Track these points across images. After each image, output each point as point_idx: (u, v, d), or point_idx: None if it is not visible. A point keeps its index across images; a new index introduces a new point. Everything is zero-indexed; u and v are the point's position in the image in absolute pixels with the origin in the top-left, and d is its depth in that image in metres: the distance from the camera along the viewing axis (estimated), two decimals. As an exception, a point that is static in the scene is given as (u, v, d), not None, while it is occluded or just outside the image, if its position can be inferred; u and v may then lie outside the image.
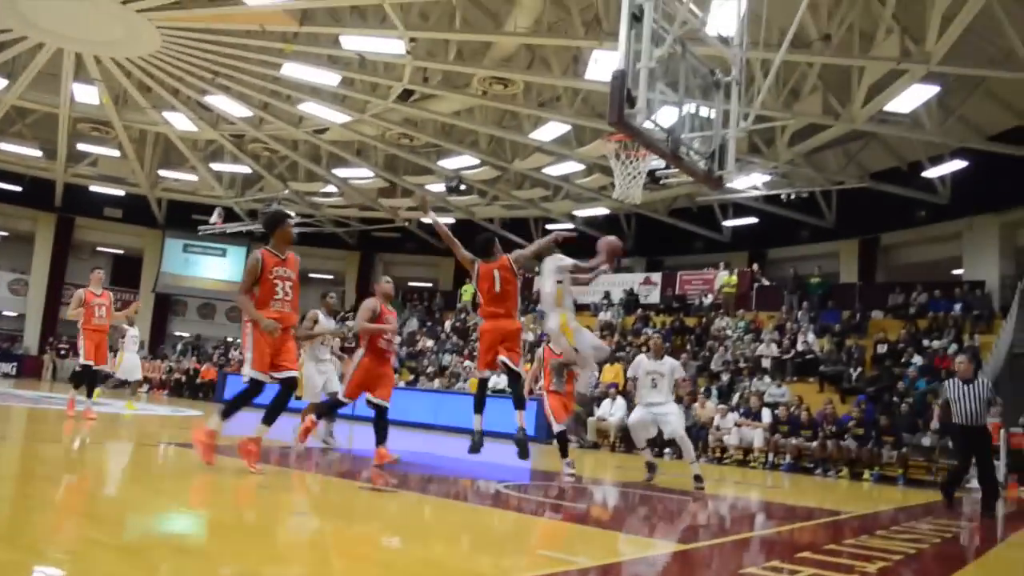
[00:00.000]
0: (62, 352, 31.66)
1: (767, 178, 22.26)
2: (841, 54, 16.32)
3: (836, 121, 18.32)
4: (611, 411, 17.50)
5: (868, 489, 12.98)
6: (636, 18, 7.07)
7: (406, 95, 21.18)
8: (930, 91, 16.62)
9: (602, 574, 4.06)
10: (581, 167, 24.63)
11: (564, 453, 8.66)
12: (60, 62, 21.59)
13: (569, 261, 8.51)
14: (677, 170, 10.00)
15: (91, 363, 11.18)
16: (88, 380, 11.41)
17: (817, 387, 17.59)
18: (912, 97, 16.72)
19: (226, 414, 6.64)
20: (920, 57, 15.11)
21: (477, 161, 25.32)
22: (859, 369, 17.91)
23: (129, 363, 16.29)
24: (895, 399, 15.90)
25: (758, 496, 9.93)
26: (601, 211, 28.48)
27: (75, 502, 5.06)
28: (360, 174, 28.18)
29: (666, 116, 7.95)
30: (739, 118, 8.65)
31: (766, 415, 16.05)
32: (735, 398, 17.45)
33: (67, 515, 4.57)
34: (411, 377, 22.90)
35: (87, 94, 23.70)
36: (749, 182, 22.14)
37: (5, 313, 34.67)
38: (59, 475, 6.12)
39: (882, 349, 18.51)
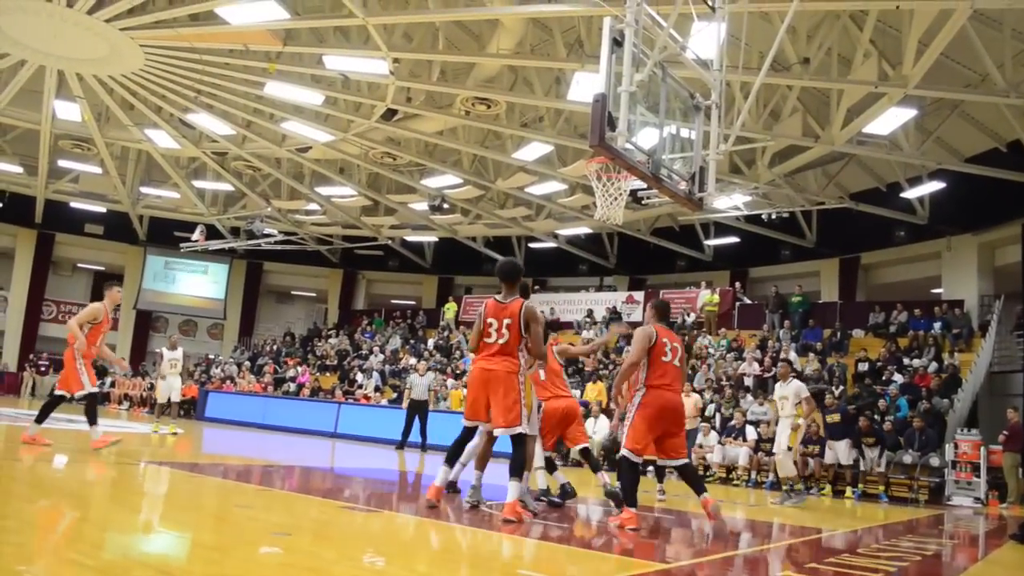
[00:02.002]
0: (42, 368, 31.40)
1: (748, 198, 22.45)
2: (820, 77, 16.54)
3: (816, 143, 18.52)
4: (594, 429, 17.52)
5: (851, 507, 13.04)
6: (617, 42, 7.17)
7: (389, 114, 21.24)
8: (907, 114, 16.86)
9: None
10: (564, 186, 24.76)
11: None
12: (42, 79, 21.53)
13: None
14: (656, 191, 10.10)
15: (96, 389, 9.72)
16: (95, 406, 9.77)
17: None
18: (890, 120, 16.95)
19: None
20: (897, 81, 15.33)
21: (460, 180, 25.39)
22: (841, 387, 18.03)
23: (170, 385, 15.97)
24: (876, 417, 16.01)
25: (741, 514, 9.97)
26: (584, 230, 28.61)
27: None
28: (343, 192, 28.20)
29: (647, 138, 8.05)
30: (719, 140, 8.76)
31: (750, 432, 16.14)
32: (717, 416, 17.53)
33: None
34: (394, 395, 22.84)
35: (69, 111, 23.62)
36: (730, 202, 22.31)
37: (-17, 330, 34.34)
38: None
39: (863, 367, 18.67)
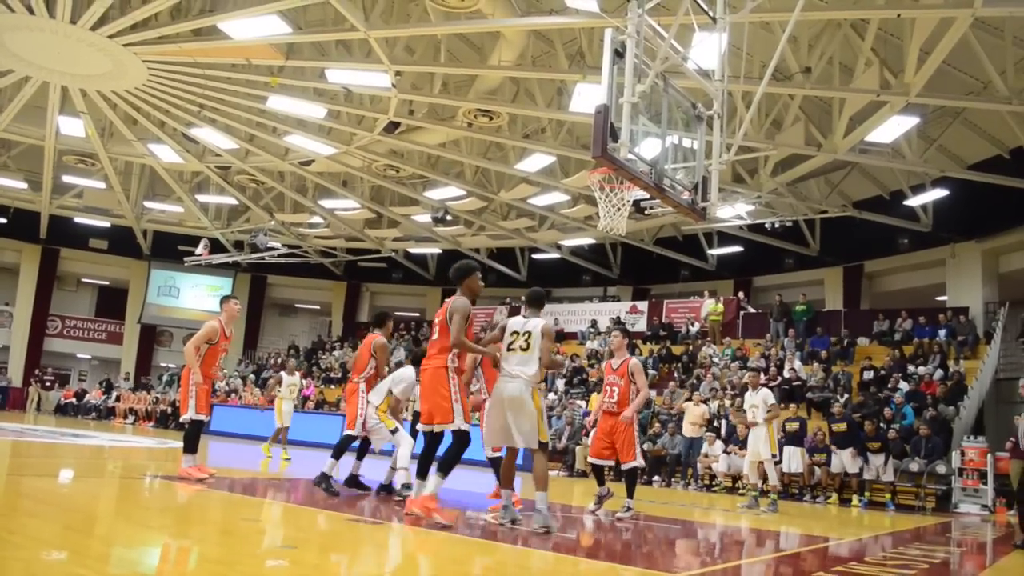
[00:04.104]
0: (47, 384, 31.57)
1: (751, 207, 22.45)
2: (822, 86, 16.55)
3: (818, 151, 18.53)
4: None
5: (858, 515, 13.00)
6: (619, 54, 7.19)
7: (392, 127, 21.29)
8: (910, 122, 16.86)
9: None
10: (566, 197, 24.78)
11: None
12: (46, 95, 21.63)
13: None
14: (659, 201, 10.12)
15: (204, 417, 9.08)
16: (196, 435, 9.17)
17: (804, 413, 17.67)
18: (892, 128, 16.95)
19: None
20: (899, 89, 15.35)
21: (463, 192, 25.43)
22: (846, 396, 18.00)
23: (287, 411, 15.53)
24: (882, 425, 15.97)
25: (747, 524, 9.94)
26: (587, 240, 28.63)
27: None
28: (346, 205, 28.25)
29: (649, 149, 8.07)
30: (722, 150, 8.77)
31: (754, 442, 16.08)
32: (722, 425, 17.49)
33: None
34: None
35: (73, 126, 23.72)
36: (733, 211, 22.31)
37: (-11, 345, 34.45)
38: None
39: (868, 375, 18.63)
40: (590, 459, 9.25)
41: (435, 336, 6.92)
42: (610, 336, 11.16)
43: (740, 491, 15.75)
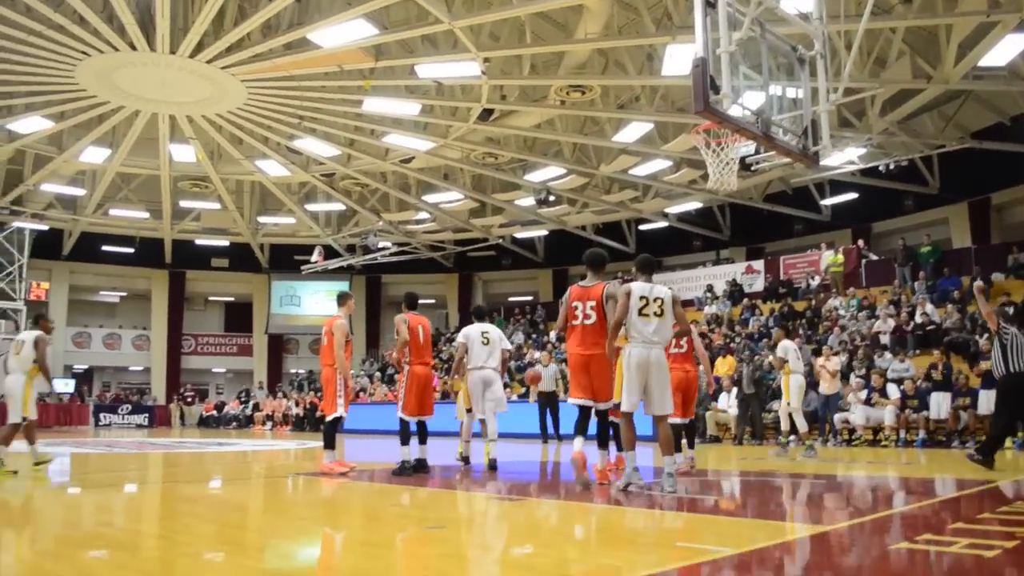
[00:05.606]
0: (188, 399, 33.34)
1: (863, 151, 21.58)
2: (925, 14, 15.76)
3: (928, 84, 17.65)
4: (729, 403, 17.27)
5: (1012, 457, 12.39)
6: (710, 4, 7.01)
7: (486, 115, 21.40)
8: (1026, 39, 15.88)
9: (750, 560, 4.01)
10: (668, 163, 24.38)
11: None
12: (155, 126, 22.69)
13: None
14: (768, 155, 9.84)
15: (344, 414, 9.17)
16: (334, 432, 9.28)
17: (942, 358, 16.92)
18: (1007, 48, 15.97)
19: None
20: (1011, 6, 14.46)
21: (563, 171, 25.35)
22: (985, 335, 17.13)
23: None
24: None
25: (895, 473, 9.60)
26: (694, 205, 28.14)
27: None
28: (450, 197, 28.60)
29: (753, 99, 7.86)
30: (829, 91, 8.46)
31: (892, 391, 15.54)
32: (852, 378, 16.93)
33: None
34: (522, 390, 22.99)
35: (183, 153, 24.83)
36: (844, 157, 21.50)
37: (132, 368, 36.52)
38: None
39: (1008, 311, 17.67)
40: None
41: (590, 320, 7.18)
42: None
43: (882, 443, 15.27)
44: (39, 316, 10.33)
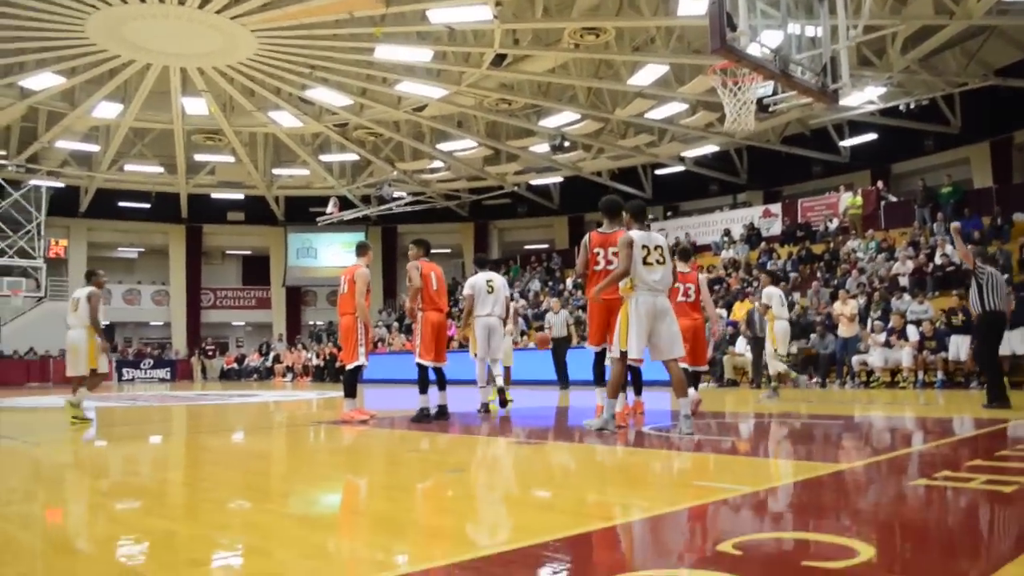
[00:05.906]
0: (209, 353, 33.74)
1: (882, 90, 21.20)
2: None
3: (951, 20, 17.26)
4: (745, 347, 17.26)
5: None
6: (727, -62, 6.84)
7: (499, 60, 21.15)
8: (1054, -31, 15.47)
9: (767, 498, 4.03)
10: (684, 107, 24.09)
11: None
12: (167, 79, 22.59)
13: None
14: (786, 95, 9.68)
15: (365, 362, 9.08)
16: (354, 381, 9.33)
17: (961, 303, 16.81)
18: (1034, -21, 15.59)
19: None
20: (1038, -66, 14.07)
21: (578, 116, 25.11)
22: (1006, 275, 16.97)
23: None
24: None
25: (913, 413, 9.61)
26: (711, 148, 27.83)
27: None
28: (463, 145, 28.43)
29: (771, 37, 7.71)
30: (848, 27, 8.28)
31: (911, 333, 15.49)
32: (869, 321, 16.87)
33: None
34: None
35: (196, 106, 24.75)
36: (864, 97, 21.15)
37: (152, 323, 36.91)
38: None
39: (1029, 252, 17.51)
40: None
41: (613, 266, 7.21)
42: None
43: (900, 384, 15.26)
44: (91, 272, 10.58)
